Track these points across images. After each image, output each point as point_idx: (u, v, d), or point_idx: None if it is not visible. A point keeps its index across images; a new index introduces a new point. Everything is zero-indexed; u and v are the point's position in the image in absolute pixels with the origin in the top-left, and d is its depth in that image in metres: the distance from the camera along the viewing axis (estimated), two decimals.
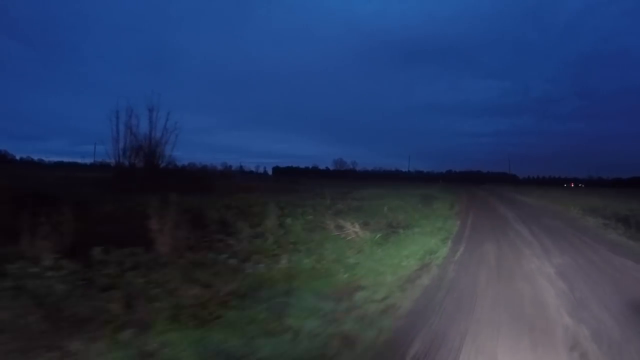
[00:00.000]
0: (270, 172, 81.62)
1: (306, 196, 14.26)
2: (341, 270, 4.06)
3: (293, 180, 34.40)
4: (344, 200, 11.84)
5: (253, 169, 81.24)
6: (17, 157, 66.80)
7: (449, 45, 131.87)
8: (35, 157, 73.40)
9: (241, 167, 74.39)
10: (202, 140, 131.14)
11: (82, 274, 3.25)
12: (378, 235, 5.80)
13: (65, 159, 71.73)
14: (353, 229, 5.70)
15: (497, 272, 4.32)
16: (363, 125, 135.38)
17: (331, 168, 77.04)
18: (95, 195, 12.14)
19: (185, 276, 3.35)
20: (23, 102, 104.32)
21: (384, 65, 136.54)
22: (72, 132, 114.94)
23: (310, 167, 77.11)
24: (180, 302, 2.80)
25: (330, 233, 5.93)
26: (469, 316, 2.86)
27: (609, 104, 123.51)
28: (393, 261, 4.50)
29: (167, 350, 2.11)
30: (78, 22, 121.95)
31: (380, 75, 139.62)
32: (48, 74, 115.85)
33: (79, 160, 73.95)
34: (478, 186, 44.92)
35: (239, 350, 2.16)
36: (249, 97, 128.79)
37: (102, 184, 16.61)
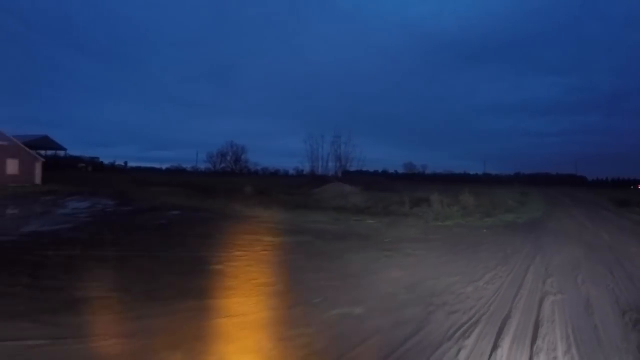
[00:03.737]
0: (340, 175, 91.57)
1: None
2: (517, 208, 16.87)
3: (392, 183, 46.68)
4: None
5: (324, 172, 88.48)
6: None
7: (508, 43, 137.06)
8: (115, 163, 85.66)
9: (312, 171, 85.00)
10: (267, 145, 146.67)
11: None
12: (522, 204, 18.51)
13: (142, 164, 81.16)
14: (511, 202, 18.41)
15: (561, 210, 16.98)
16: (428, 128, 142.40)
17: (400, 172, 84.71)
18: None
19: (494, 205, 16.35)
20: (94, 113, 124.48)
21: (443, 67, 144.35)
22: (140, 139, 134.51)
23: (380, 171, 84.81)
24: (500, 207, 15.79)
25: (502, 204, 18.64)
26: (556, 214, 15.42)
27: None
28: (531, 209, 17.29)
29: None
30: (144, 38, 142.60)
31: (440, 77, 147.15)
32: (117, 87, 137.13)
33: (156, 165, 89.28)
34: (547, 187, 56.68)
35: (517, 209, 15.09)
36: (312, 103, 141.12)
37: (299, 182, 30.84)
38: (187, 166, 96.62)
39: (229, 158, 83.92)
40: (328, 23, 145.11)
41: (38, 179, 29.87)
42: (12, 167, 27.81)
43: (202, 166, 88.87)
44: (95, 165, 64.08)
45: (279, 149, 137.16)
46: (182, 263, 6.02)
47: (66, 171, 39.88)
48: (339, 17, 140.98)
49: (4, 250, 7.24)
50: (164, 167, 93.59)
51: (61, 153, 57.48)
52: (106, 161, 68.60)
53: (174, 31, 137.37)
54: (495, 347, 3.15)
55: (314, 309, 3.97)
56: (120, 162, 75.20)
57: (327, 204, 15.42)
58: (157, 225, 10.71)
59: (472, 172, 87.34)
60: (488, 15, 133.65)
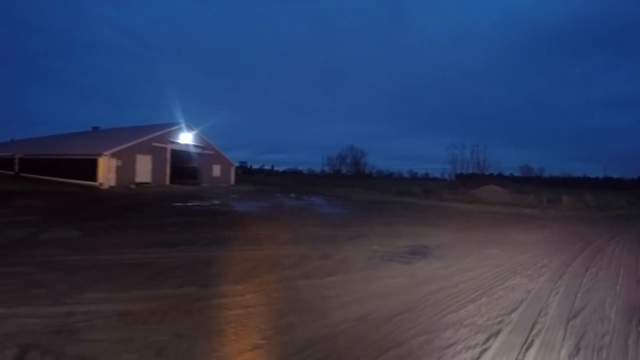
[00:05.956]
0: (453, 178, 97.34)
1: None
2: (626, 207, 24.27)
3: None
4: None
5: (438, 175, 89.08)
6: None
7: (623, 28, 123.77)
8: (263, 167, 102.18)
9: (427, 173, 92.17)
10: (376, 147, 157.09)
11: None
12: (632, 204, 25.62)
13: (254, 166, 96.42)
14: (623, 202, 25.57)
15: None
16: (542, 126, 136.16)
17: (516, 174, 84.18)
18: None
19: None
20: (211, 120, 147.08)
21: (552, 59, 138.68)
22: (253, 142, 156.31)
23: (495, 173, 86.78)
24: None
25: (615, 203, 25.93)
26: None
27: None
28: (638, 207, 24.52)
29: None
30: (254, 50, 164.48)
31: (550, 71, 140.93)
32: (229, 96, 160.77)
33: (269, 167, 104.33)
34: None
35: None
36: (419, 103, 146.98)
37: (450, 183, 40.39)
38: (303, 168, 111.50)
39: (348, 161, 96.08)
40: (430, 23, 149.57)
41: (232, 180, 42.52)
42: (216, 170, 40.32)
43: (317, 168, 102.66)
44: (244, 168, 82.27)
45: (387, 152, 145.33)
46: (465, 214, 15.84)
47: None
48: (441, 16, 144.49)
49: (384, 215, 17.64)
50: (280, 169, 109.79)
51: None
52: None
53: (282, 41, 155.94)
54: (597, 241, 12.37)
55: (530, 232, 13.60)
56: (267, 167, 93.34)
57: (487, 201, 24.60)
58: (410, 206, 20.94)
59: (591, 176, 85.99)
60: None
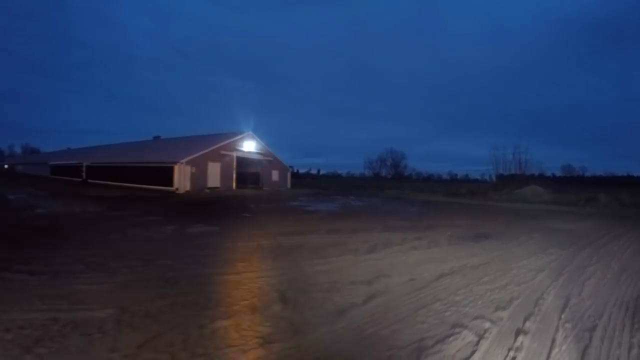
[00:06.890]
0: (494, 179, 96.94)
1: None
2: None
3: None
4: None
5: (478, 177, 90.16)
6: None
7: None
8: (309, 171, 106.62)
9: (467, 175, 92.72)
10: (414, 149, 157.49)
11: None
12: None
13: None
14: None
15: None
16: (580, 123, 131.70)
17: (557, 174, 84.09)
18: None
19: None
20: (249, 124, 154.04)
21: (590, 53, 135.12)
22: (291, 146, 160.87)
23: (536, 174, 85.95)
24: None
25: None
26: None
27: None
28: None
29: None
30: (288, 55, 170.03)
31: (588, 65, 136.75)
32: (268, 101, 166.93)
33: (314, 171, 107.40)
34: None
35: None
36: (456, 103, 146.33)
37: (493, 184, 42.89)
38: (342, 171, 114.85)
39: (388, 163, 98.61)
40: (464, 20, 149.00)
41: (289, 184, 46.46)
42: (275, 175, 44.18)
43: (355, 171, 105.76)
44: (291, 173, 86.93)
45: (425, 153, 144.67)
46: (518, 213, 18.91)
47: None
48: (474, 13, 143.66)
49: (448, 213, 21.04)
50: (320, 172, 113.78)
51: None
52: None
53: (318, 46, 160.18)
54: (620, 229, 15.19)
55: (566, 223, 16.55)
56: (313, 171, 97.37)
57: (530, 200, 27.29)
58: (462, 205, 24.13)
59: (635, 174, 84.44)
60: None
